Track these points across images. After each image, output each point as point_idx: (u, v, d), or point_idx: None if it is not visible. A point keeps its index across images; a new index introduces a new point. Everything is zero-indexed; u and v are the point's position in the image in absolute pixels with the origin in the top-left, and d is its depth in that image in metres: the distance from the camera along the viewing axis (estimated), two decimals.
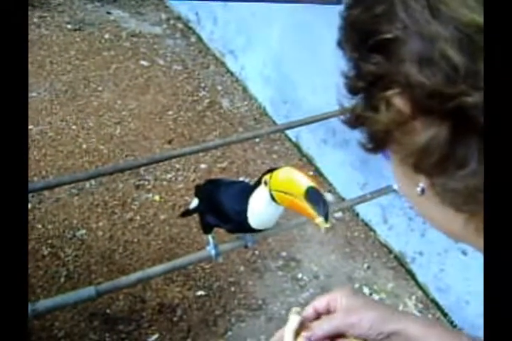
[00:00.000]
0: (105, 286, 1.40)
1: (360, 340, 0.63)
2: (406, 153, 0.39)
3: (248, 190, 1.28)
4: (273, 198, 1.21)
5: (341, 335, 0.64)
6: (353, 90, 0.42)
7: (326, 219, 1.08)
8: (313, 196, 1.10)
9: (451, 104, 0.34)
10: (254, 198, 1.26)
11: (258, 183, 1.24)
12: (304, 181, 1.13)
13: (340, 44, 0.43)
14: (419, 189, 0.43)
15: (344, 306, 0.65)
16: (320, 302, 0.68)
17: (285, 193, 1.16)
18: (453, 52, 0.33)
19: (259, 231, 1.40)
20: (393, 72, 0.37)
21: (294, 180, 1.15)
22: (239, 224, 1.33)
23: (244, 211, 1.28)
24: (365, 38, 0.38)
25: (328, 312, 0.67)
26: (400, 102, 0.37)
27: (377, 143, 0.43)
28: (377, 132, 0.41)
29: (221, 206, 1.35)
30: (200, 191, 1.58)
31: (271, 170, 1.21)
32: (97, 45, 3.58)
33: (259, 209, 1.27)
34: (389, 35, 0.36)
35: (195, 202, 1.58)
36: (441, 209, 0.42)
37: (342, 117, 0.45)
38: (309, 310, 0.68)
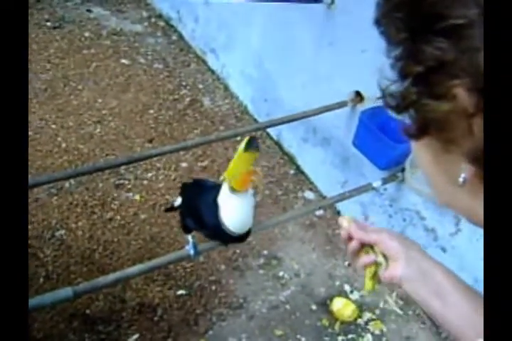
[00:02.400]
0: (83, 287, 1.39)
1: (383, 256, 0.77)
2: (468, 143, 0.37)
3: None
4: (232, 189, 1.24)
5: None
6: (404, 74, 0.39)
7: (257, 148, 1.17)
8: (251, 142, 1.16)
9: None
10: (221, 197, 1.29)
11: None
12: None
13: (380, 21, 0.39)
14: (461, 179, 0.40)
15: (386, 231, 0.78)
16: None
17: (235, 174, 1.21)
18: None
19: (239, 240, 1.41)
20: (463, 60, 0.34)
21: (235, 158, 1.20)
22: (215, 230, 1.34)
23: (217, 214, 1.29)
24: (430, 21, 0.35)
25: None
26: (465, 93, 0.34)
27: (426, 130, 0.40)
28: (432, 120, 0.38)
29: (199, 213, 1.36)
30: (183, 191, 1.59)
31: None
32: (77, 43, 3.54)
33: (227, 206, 1.29)
34: (462, 21, 0.33)
35: (179, 200, 1.58)
36: (480, 200, 0.40)
37: (383, 100, 0.41)
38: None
